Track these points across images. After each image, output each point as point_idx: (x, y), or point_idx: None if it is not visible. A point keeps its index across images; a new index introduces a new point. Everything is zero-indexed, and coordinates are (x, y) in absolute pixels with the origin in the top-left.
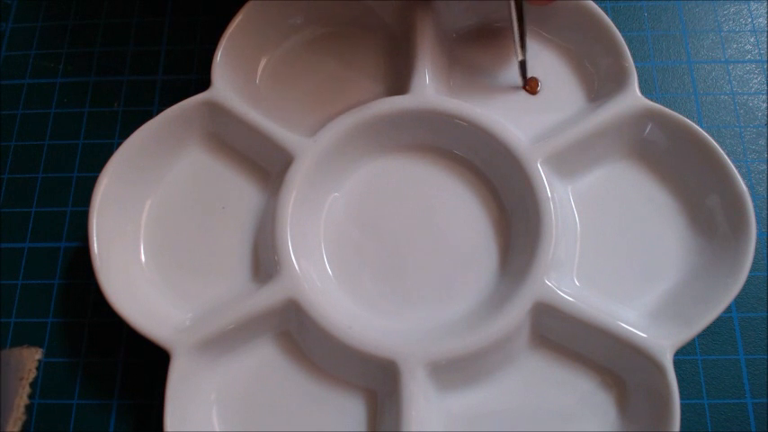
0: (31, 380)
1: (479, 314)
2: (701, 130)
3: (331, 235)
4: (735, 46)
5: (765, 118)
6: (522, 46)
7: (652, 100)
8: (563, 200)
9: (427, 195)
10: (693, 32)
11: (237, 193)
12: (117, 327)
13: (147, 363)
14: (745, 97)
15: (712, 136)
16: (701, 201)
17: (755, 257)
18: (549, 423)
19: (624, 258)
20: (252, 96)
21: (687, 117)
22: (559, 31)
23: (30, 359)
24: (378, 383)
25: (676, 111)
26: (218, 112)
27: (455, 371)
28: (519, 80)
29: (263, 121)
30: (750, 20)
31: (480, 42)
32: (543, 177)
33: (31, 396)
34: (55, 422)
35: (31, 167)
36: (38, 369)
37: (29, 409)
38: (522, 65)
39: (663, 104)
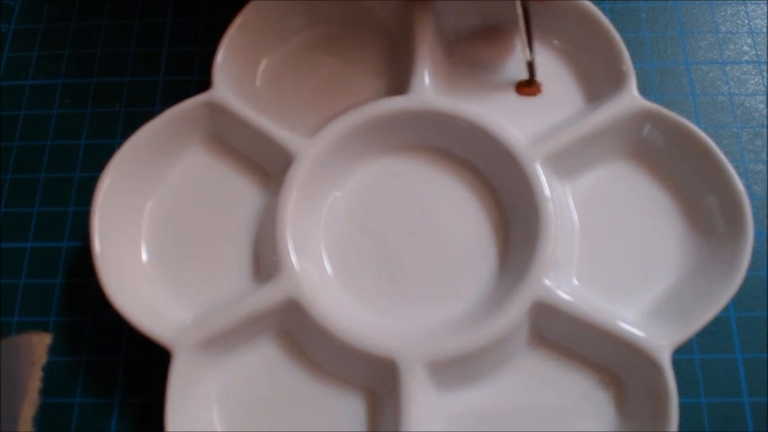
0: (42, 364)
1: (479, 313)
2: (698, 130)
3: (331, 235)
4: (732, 47)
5: (762, 119)
6: (531, 47)
7: (650, 100)
8: (562, 200)
9: (427, 195)
10: (691, 33)
11: (238, 193)
12: (118, 326)
13: (149, 362)
14: (742, 98)
15: (710, 136)
16: (699, 201)
17: (753, 257)
18: (548, 422)
19: (622, 258)
20: (252, 97)
21: (685, 118)
22: (558, 31)
23: (39, 344)
24: (378, 383)
25: (674, 111)
26: (218, 112)
27: (454, 370)
28: (527, 79)
29: (264, 121)
30: (747, 21)
31: (480, 43)
32: (542, 177)
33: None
34: (57, 421)
35: (33, 168)
36: (48, 354)
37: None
38: (530, 65)
39: (661, 105)
